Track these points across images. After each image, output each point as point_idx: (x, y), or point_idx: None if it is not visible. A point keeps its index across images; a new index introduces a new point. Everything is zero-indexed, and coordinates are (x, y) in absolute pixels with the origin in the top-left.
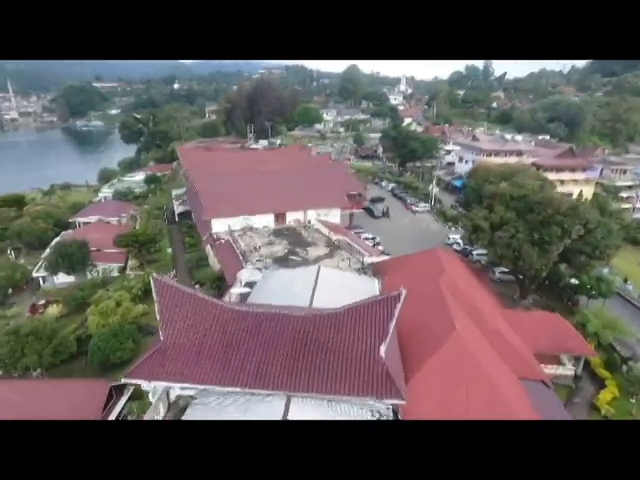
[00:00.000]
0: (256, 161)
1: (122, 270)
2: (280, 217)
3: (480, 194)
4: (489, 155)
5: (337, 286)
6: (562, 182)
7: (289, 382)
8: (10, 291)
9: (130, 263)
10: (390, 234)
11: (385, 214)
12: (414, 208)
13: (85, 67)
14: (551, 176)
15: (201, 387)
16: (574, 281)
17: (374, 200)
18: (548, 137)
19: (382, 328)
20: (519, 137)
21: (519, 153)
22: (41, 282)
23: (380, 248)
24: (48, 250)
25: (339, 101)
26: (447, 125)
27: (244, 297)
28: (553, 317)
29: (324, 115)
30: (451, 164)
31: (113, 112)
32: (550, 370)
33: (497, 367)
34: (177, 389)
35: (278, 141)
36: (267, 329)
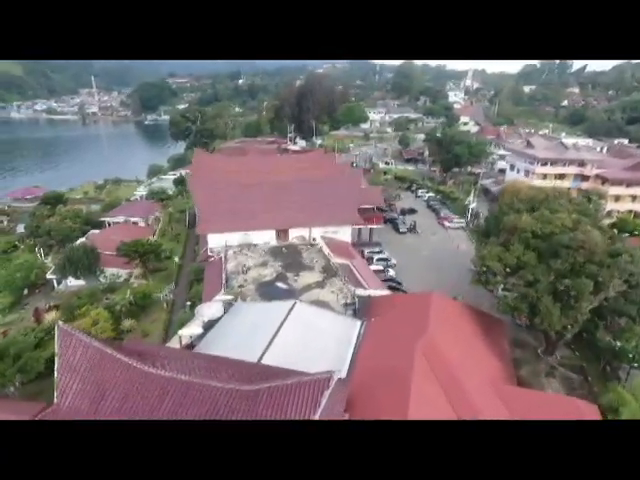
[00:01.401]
0: (269, 169)
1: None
2: (283, 233)
3: (499, 225)
4: (544, 164)
5: (307, 330)
6: (617, 198)
7: None
8: (26, 291)
9: (135, 271)
10: (411, 254)
11: (412, 229)
12: (446, 223)
13: (162, 64)
14: (619, 191)
15: None
16: (615, 343)
17: (404, 212)
18: (627, 141)
19: (303, 416)
20: (584, 142)
21: (581, 163)
22: (55, 284)
23: (390, 273)
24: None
25: (395, 97)
26: (504, 126)
27: (198, 338)
28: (576, 405)
29: (370, 114)
30: (504, 171)
31: (181, 107)
32: None
33: None
34: None
35: (319, 142)
36: (173, 397)
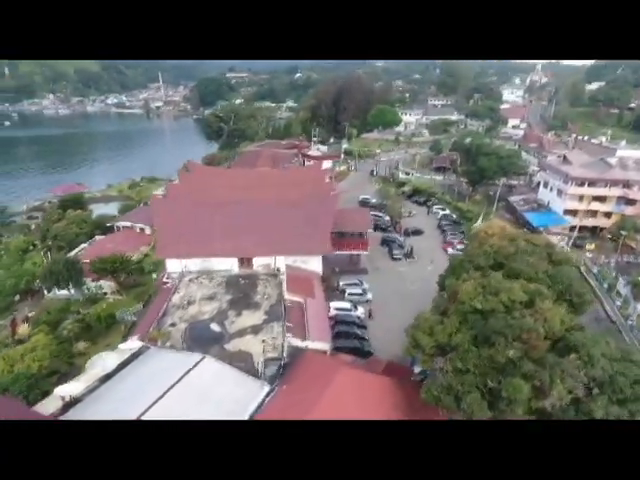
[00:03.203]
0: (253, 185)
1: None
2: (246, 261)
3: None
4: (581, 185)
5: (201, 393)
6: None
7: None
8: (17, 298)
9: (111, 286)
10: (396, 287)
11: (408, 255)
12: (449, 250)
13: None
14: None
15: None
16: None
17: (408, 233)
18: None
19: None
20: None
21: (627, 184)
22: (45, 292)
23: (357, 313)
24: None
25: (444, 95)
26: (551, 132)
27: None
28: None
29: (405, 116)
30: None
31: (237, 102)
32: None
33: None
34: None
35: (344, 146)
36: None
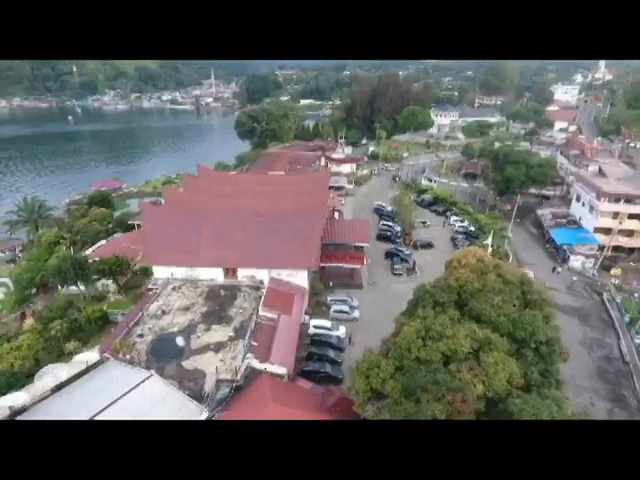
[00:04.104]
0: (250, 192)
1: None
2: (231, 271)
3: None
4: (616, 201)
5: (131, 416)
6: None
7: None
8: (34, 291)
9: (112, 287)
10: (388, 305)
11: (411, 270)
12: None
13: None
14: None
15: None
16: None
17: (417, 246)
18: None
19: None
20: None
21: None
22: (59, 287)
23: (338, 334)
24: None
25: (490, 94)
26: (598, 138)
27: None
28: None
29: (439, 117)
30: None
31: (283, 99)
32: None
33: None
34: None
35: (371, 148)
36: None
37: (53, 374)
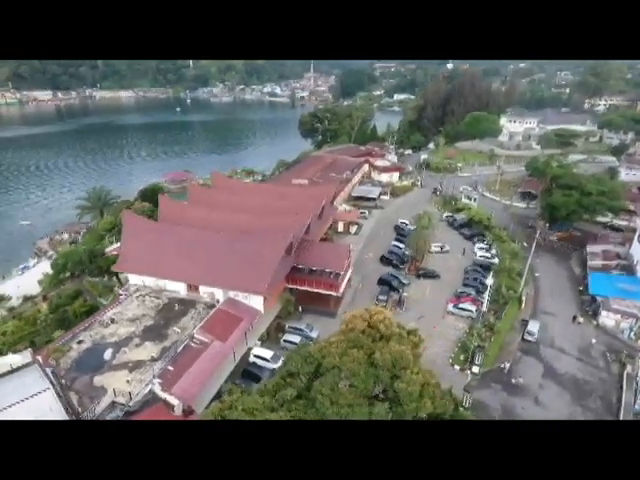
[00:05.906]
0: (242, 206)
1: None
2: (193, 287)
3: None
4: None
5: None
6: None
7: None
8: (68, 275)
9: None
10: None
11: (399, 303)
12: (450, 306)
13: None
14: None
15: None
16: None
17: (419, 275)
18: None
19: None
20: None
21: None
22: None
23: (273, 366)
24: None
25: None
26: None
27: None
28: None
29: (511, 124)
30: None
31: (376, 93)
32: None
33: None
34: None
35: (423, 156)
36: None
37: None
